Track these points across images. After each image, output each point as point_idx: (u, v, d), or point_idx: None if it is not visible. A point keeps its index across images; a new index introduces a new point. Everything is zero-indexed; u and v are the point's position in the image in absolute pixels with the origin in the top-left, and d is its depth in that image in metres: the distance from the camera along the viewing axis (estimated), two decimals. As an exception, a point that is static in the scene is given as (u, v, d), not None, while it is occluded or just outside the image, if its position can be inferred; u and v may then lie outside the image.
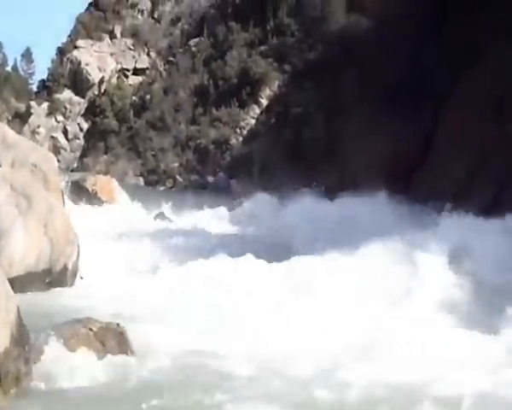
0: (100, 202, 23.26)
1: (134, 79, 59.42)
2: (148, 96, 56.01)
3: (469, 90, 25.65)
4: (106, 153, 55.97)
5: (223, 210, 25.19)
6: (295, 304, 9.24)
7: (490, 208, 17.22)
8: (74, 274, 11.30)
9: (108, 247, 13.43)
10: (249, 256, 11.81)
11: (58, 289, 10.83)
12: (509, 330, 8.00)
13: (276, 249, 14.04)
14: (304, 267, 10.95)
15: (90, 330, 7.09)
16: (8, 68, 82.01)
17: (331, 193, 26.36)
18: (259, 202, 25.85)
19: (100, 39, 61.82)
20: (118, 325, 7.37)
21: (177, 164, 49.36)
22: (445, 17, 30.49)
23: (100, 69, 60.27)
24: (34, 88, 74.09)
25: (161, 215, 23.33)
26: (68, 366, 6.57)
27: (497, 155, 20.80)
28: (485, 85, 24.14)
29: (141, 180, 50.47)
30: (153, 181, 49.53)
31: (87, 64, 60.49)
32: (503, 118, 21.72)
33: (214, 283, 10.56)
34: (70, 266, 11.15)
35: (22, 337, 6.19)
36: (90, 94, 60.27)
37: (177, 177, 48.38)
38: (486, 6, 26.34)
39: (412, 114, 30.67)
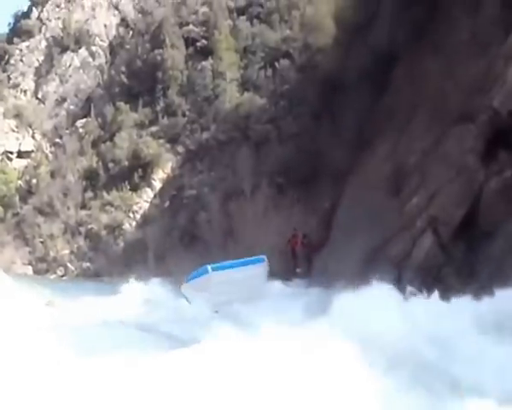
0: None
1: (19, 163, 56.87)
2: (34, 181, 53.57)
3: (367, 168, 25.49)
4: (-10, 241, 53.05)
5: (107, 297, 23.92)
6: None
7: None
8: None
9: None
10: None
11: None
12: None
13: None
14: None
15: None
16: None
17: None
18: (153, 288, 24.79)
19: (-19, 121, 59.37)
20: None
21: (67, 251, 47.27)
22: (341, 99, 30.51)
23: (-18, 152, 57.68)
24: None
25: (51, 303, 22.33)
26: None
27: (395, 234, 20.30)
28: (382, 164, 23.94)
29: (29, 269, 47.98)
30: (42, 270, 47.24)
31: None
32: (399, 197, 21.41)
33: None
34: None
35: None
36: (-28, 179, 57.37)
37: (68, 264, 46.39)
38: (380, 91, 26.61)
39: (311, 194, 30.32)
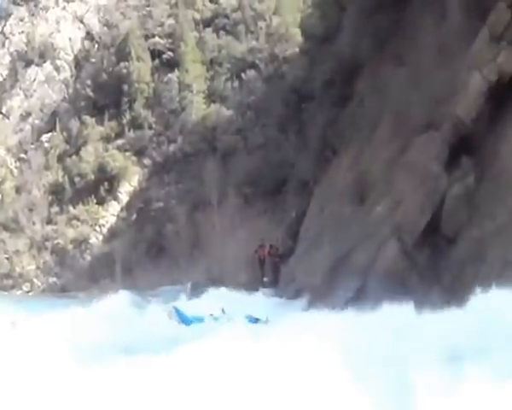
0: None
1: (-16, 179, 56.32)
2: (-1, 196, 53.03)
3: (332, 178, 25.58)
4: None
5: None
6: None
7: (353, 301, 16.62)
8: None
9: None
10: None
11: None
12: None
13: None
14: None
15: None
16: None
17: (198, 289, 25.29)
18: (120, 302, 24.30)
19: None
20: None
21: (33, 266, 46.69)
22: (306, 109, 30.66)
23: None
24: None
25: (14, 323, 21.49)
26: None
27: (361, 242, 20.33)
28: (347, 173, 24.02)
29: (-5, 285, 47.25)
30: (8, 286, 46.46)
31: None
32: (364, 206, 21.49)
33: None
34: None
35: None
36: None
37: (35, 280, 45.75)
38: (345, 100, 26.76)
39: (278, 204, 30.33)
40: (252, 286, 25.92)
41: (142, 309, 23.16)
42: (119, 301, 24.33)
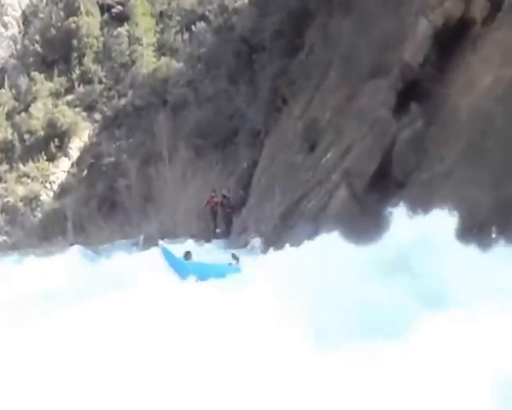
0: None
1: None
2: None
3: (283, 127, 25.60)
4: None
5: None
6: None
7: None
8: None
9: None
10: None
11: None
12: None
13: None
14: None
15: None
16: None
17: (150, 242, 25.07)
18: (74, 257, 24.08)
19: None
20: None
21: (-17, 225, 45.77)
22: (257, 60, 30.47)
23: None
24: None
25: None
26: None
27: (312, 189, 20.45)
28: (298, 122, 24.05)
29: None
30: (-42, 245, 45.60)
31: None
32: (315, 153, 21.59)
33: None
34: None
35: None
36: None
37: (-16, 239, 44.88)
38: (295, 50, 26.68)
39: (229, 155, 30.23)
40: (204, 237, 25.94)
41: (95, 262, 23.14)
42: (72, 255, 24.28)
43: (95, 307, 10.32)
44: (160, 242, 16.97)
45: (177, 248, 18.52)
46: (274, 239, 19.50)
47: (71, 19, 50.50)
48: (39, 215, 43.60)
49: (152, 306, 9.77)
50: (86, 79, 48.60)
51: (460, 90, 16.99)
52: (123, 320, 9.07)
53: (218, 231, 27.34)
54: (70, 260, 23.00)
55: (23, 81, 51.37)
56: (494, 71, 16.05)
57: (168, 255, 15.41)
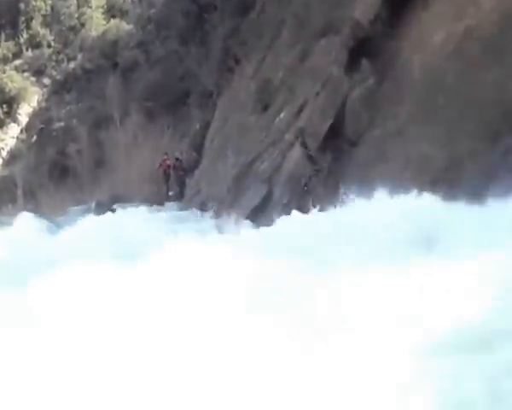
0: None
1: None
2: None
3: (235, 88, 25.30)
4: None
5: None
6: None
7: (258, 211, 16.53)
8: None
9: None
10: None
11: None
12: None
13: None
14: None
15: None
16: None
17: (103, 208, 24.65)
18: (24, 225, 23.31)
19: None
20: None
21: None
22: (208, 20, 29.99)
23: None
24: None
25: None
26: None
27: (265, 150, 20.25)
28: (250, 82, 23.77)
29: None
30: None
31: None
32: (268, 114, 21.35)
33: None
34: None
35: None
36: None
37: None
38: (246, 9, 26.32)
39: (181, 117, 29.81)
40: (157, 201, 25.59)
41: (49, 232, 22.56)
42: (23, 225, 23.60)
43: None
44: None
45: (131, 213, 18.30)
46: (228, 202, 19.32)
47: (18, -18, 49.25)
48: (-11, 183, 42.75)
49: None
50: (34, 43, 47.57)
51: (412, 47, 16.80)
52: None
53: (170, 193, 27.05)
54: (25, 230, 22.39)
55: (-31, 47, 50.06)
56: (446, 26, 15.88)
57: None
